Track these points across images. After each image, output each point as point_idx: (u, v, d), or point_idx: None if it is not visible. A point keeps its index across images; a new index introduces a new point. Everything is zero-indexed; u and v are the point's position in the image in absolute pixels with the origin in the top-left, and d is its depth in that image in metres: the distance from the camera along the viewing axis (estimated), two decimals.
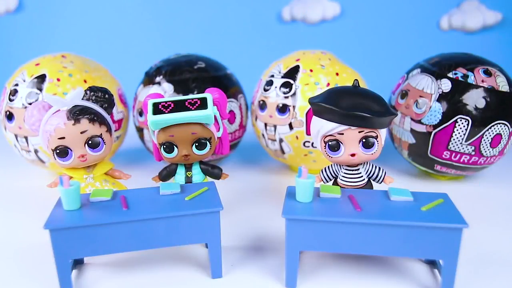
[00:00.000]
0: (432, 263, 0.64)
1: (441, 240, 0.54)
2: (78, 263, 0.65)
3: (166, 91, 0.92)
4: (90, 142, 0.66)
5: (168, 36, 1.82)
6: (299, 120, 0.89)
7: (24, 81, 0.89)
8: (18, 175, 1.03)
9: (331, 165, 0.70)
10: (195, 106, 0.66)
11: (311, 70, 0.90)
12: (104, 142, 0.68)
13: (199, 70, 0.95)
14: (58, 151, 0.66)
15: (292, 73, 0.91)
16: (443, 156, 0.89)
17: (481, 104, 0.84)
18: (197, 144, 0.68)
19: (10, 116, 0.89)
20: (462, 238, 0.54)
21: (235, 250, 0.69)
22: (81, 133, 0.65)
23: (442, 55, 0.94)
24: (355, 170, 0.68)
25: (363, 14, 1.79)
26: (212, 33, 1.81)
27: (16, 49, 1.80)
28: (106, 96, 0.70)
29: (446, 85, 0.86)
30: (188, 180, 0.73)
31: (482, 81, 0.85)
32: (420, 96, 0.89)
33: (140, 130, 1.00)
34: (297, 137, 0.90)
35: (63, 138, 0.65)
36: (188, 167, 0.73)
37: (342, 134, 0.63)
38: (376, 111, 0.62)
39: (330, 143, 0.65)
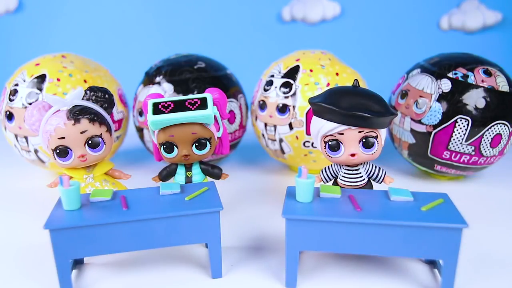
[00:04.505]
0: (432, 263, 0.64)
1: (441, 240, 0.54)
2: (78, 263, 0.65)
3: (166, 91, 0.92)
4: (90, 142, 0.66)
5: (168, 36, 1.82)
6: (299, 120, 0.89)
7: (24, 81, 0.89)
8: (18, 175, 1.03)
9: (331, 165, 0.70)
10: (195, 106, 0.66)
11: (311, 70, 0.90)
12: (104, 142, 0.68)
13: (199, 70, 0.95)
14: (58, 151, 0.66)
15: (292, 73, 0.91)
16: (443, 156, 0.89)
17: (481, 104, 0.84)
18: (197, 144, 0.68)
19: (10, 116, 0.89)
20: (462, 238, 0.54)
21: (235, 250, 0.69)
22: (81, 133, 0.65)
23: (442, 55, 0.94)
24: (355, 170, 0.68)
25: (363, 14, 1.79)
26: (212, 33, 1.82)
27: (16, 49, 1.80)
28: (106, 96, 0.70)
29: (446, 85, 0.86)
30: (188, 180, 0.73)
31: (482, 81, 0.85)
32: (420, 96, 0.89)
33: (140, 130, 1.00)
34: (297, 137, 0.90)
35: (63, 138, 0.65)
36: (188, 167, 0.73)
37: (342, 134, 0.63)
38: (376, 111, 0.62)
39: (330, 143, 0.65)
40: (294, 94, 0.89)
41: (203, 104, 0.66)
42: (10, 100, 0.89)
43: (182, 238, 0.59)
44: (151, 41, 1.82)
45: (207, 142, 0.69)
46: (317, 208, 0.57)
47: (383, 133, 0.65)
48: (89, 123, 0.66)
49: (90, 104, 0.67)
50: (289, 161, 0.98)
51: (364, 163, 0.68)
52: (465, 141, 0.86)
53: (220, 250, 0.60)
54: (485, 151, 0.87)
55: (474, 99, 0.84)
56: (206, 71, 0.96)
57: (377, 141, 0.64)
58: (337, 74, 0.90)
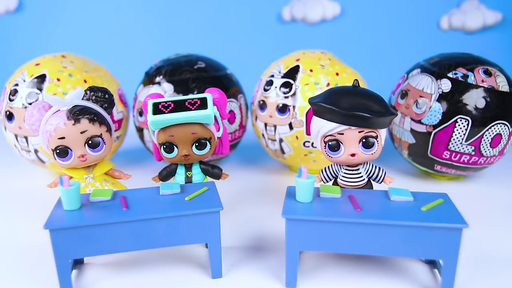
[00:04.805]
0: (432, 263, 0.64)
1: (441, 240, 0.54)
2: (78, 263, 0.65)
3: (166, 91, 0.92)
4: (90, 142, 0.66)
5: (168, 36, 1.82)
6: (299, 120, 0.89)
7: (24, 81, 0.89)
8: (18, 175, 1.03)
9: (331, 165, 0.70)
10: (195, 106, 0.66)
11: (311, 70, 0.90)
12: (104, 142, 0.68)
13: (199, 70, 0.95)
14: (58, 151, 0.66)
15: (292, 73, 0.91)
16: (443, 156, 0.89)
17: (481, 104, 0.84)
18: (197, 144, 0.68)
19: (10, 116, 0.89)
20: (462, 238, 0.54)
21: (235, 250, 0.69)
22: (81, 133, 0.65)
23: (442, 55, 0.94)
24: (355, 170, 0.68)
25: (363, 14, 1.79)
26: (212, 33, 1.82)
27: (16, 49, 1.80)
28: (106, 96, 0.70)
29: (446, 85, 0.86)
30: (188, 180, 0.73)
31: (482, 81, 0.85)
32: (420, 96, 0.89)
33: (140, 130, 1.00)
34: (297, 137, 0.90)
35: (63, 138, 0.65)
36: (188, 167, 0.73)
37: (342, 134, 0.63)
38: (376, 111, 0.62)
39: (330, 143, 0.65)
40: (294, 94, 0.89)
41: (203, 104, 0.66)
42: (10, 100, 0.89)
43: (182, 238, 0.59)
44: (151, 41, 1.82)
45: (207, 142, 0.69)
46: (317, 208, 0.57)
47: (383, 133, 0.65)
48: (89, 123, 0.66)
49: (90, 104, 0.67)
50: (289, 161, 0.98)
51: (364, 163, 0.68)
52: (465, 141, 0.86)
53: (220, 250, 0.60)
54: (485, 151, 0.87)
55: (474, 99, 0.84)
56: (206, 71, 0.96)
57: (377, 141, 0.64)
58: (337, 74, 0.90)
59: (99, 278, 0.62)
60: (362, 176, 0.68)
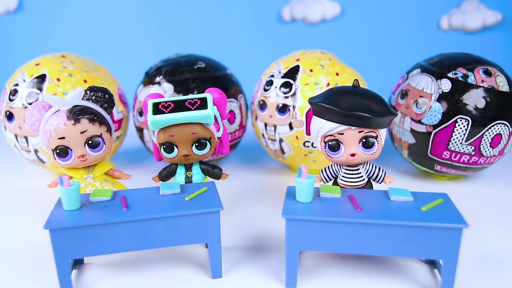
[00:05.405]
0: (432, 263, 0.64)
1: (441, 240, 0.54)
2: (78, 263, 0.65)
3: (166, 91, 0.92)
4: (90, 142, 0.66)
5: (168, 36, 1.82)
6: (299, 120, 0.89)
7: (24, 81, 0.89)
8: (18, 175, 1.03)
9: (331, 165, 0.70)
10: (195, 106, 0.66)
11: (311, 70, 0.90)
12: (104, 142, 0.68)
13: (199, 70, 0.95)
14: (58, 151, 0.66)
15: (292, 73, 0.91)
16: (443, 156, 0.89)
17: (481, 104, 0.84)
18: (197, 144, 0.68)
19: (10, 116, 0.89)
20: (462, 238, 0.54)
21: (235, 250, 0.69)
22: (81, 133, 0.65)
23: (442, 55, 0.94)
24: (355, 170, 0.68)
25: (363, 14, 1.79)
26: (212, 33, 1.82)
27: (16, 49, 1.80)
28: (106, 96, 0.70)
29: (446, 85, 0.86)
30: (188, 180, 0.73)
31: (482, 81, 0.85)
32: (420, 96, 0.89)
33: (140, 130, 1.00)
34: (297, 137, 0.90)
35: (63, 138, 0.65)
36: (188, 167, 0.73)
37: (342, 134, 0.63)
38: (376, 111, 0.62)
39: (330, 143, 0.65)
40: (294, 94, 0.89)
41: (203, 104, 0.66)
42: (10, 100, 0.89)
43: (182, 238, 0.59)
44: (151, 41, 1.82)
45: (207, 142, 0.69)
46: (317, 208, 0.57)
47: (383, 133, 0.65)
48: (89, 123, 0.66)
49: (90, 104, 0.67)
50: (289, 161, 0.98)
51: (364, 163, 0.68)
52: (465, 141, 0.86)
53: (220, 250, 0.60)
54: (485, 151, 0.87)
55: (474, 99, 0.84)
56: (206, 71, 0.96)
57: (377, 141, 0.64)
58: (337, 74, 0.90)
59: (99, 278, 0.62)
60: (362, 176, 0.68)
